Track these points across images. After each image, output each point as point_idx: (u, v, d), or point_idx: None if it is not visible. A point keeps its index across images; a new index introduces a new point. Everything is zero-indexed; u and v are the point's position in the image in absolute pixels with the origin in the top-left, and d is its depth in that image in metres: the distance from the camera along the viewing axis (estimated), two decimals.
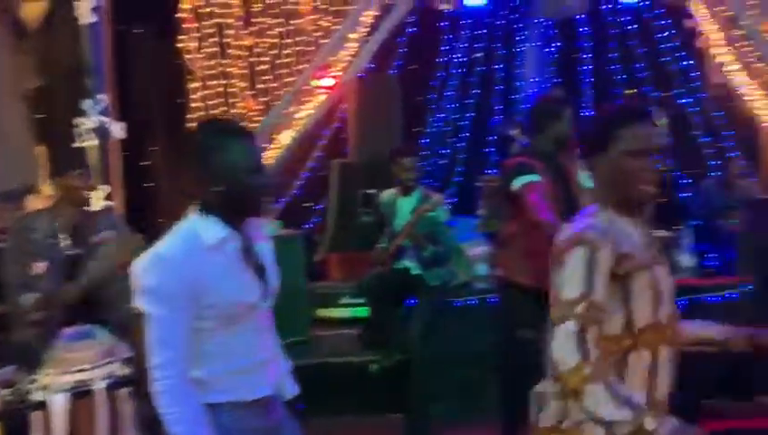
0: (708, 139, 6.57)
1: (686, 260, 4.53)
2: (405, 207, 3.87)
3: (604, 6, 6.39)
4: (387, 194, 4.04)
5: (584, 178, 3.01)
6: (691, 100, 6.52)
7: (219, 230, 1.56)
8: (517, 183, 2.89)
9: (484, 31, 6.22)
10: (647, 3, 6.43)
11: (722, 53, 6.51)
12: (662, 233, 5.00)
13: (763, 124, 6.44)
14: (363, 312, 4.12)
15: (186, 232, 1.56)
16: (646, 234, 1.60)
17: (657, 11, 6.39)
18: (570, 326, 1.44)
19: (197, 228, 1.56)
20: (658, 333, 1.55)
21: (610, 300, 1.49)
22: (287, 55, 6.25)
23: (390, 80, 6.13)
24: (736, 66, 6.44)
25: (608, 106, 1.76)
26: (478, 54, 6.22)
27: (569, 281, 1.48)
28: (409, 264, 3.87)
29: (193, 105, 6.04)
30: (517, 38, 6.28)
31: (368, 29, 6.20)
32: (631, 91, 6.52)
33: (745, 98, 6.48)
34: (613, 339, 1.51)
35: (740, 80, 6.46)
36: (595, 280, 1.46)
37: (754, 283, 4.01)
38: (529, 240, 2.94)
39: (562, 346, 1.44)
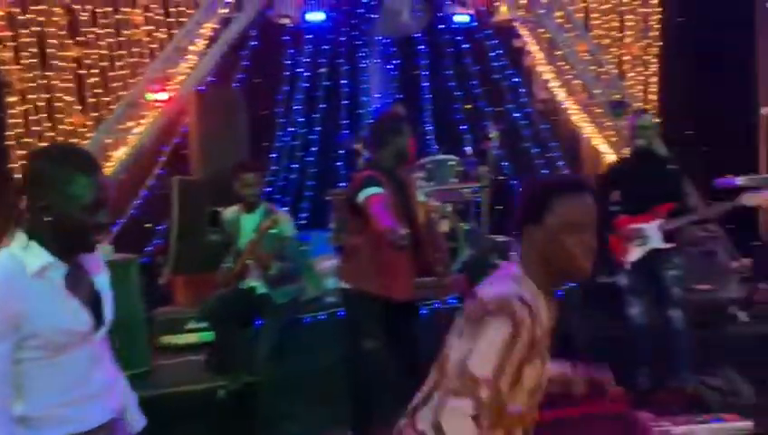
0: (537, 150, 7.14)
1: None
2: (248, 225, 3.78)
3: (439, 26, 6.72)
4: (230, 211, 3.93)
5: (420, 193, 3.16)
6: (520, 114, 7.04)
7: (43, 257, 1.49)
8: (361, 196, 2.95)
9: (327, 47, 6.28)
10: (476, 23, 6.86)
11: (546, 71, 7.14)
12: (500, 238, 5.40)
13: (584, 136, 7.14)
14: (210, 336, 3.95)
15: (7, 258, 1.48)
16: (552, 317, 1.54)
17: (486, 31, 6.84)
18: (467, 408, 1.33)
19: (21, 255, 1.48)
20: (523, 421, 1.52)
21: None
22: (120, 68, 5.88)
23: (234, 93, 5.98)
24: (558, 83, 7.09)
25: (545, 176, 1.69)
26: (323, 69, 6.27)
27: (482, 354, 1.36)
28: (255, 283, 3.77)
29: (12, 120, 5.49)
30: (360, 54, 6.42)
31: (207, 41, 6.01)
32: (468, 107, 6.92)
33: (568, 112, 7.15)
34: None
35: (562, 96, 7.12)
36: (508, 364, 1.37)
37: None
38: (374, 251, 3.01)
39: (458, 424, 1.33)
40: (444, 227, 4.88)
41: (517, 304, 1.39)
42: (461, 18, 6.54)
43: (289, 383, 3.68)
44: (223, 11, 6.00)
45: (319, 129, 6.47)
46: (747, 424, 3.58)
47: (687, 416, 3.71)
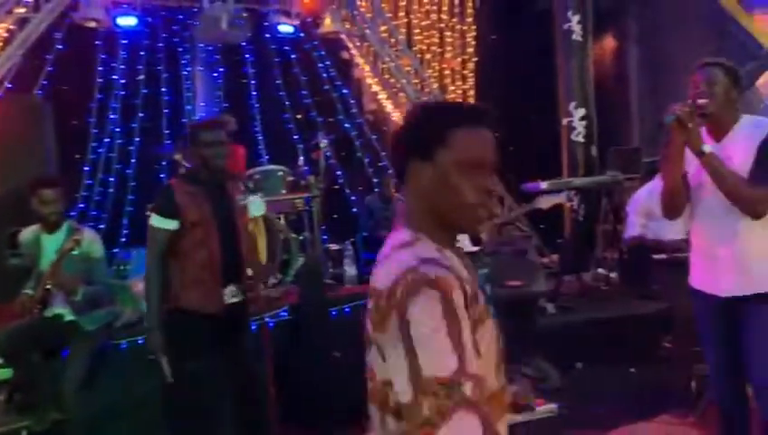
0: (369, 159, 7.33)
1: (351, 270, 4.93)
2: (51, 246, 3.42)
3: (266, 35, 6.65)
4: (29, 232, 3.54)
5: (253, 205, 3.08)
6: (350, 124, 7.18)
7: None
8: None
9: (144, 53, 5.92)
10: (303, 34, 6.89)
11: (374, 83, 7.36)
12: (333, 246, 5.44)
13: None
14: (7, 373, 3.51)
15: None
16: (471, 268, 1.22)
17: (314, 42, 6.90)
18: (475, 423, 0.98)
19: None
20: (500, 403, 1.15)
21: None
22: None
23: (37, 101, 5.41)
24: (385, 95, 7.35)
25: (438, 102, 1.29)
26: (141, 77, 5.90)
27: (431, 348, 0.99)
28: (61, 310, 3.43)
29: None
30: (182, 62, 6.14)
31: (1, 44, 5.39)
32: (299, 117, 6.92)
33: (397, 123, 7.43)
34: None
35: (390, 108, 7.38)
36: (464, 341, 1.01)
37: None
38: (182, 266, 2.91)
39: None
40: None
41: (426, 267, 1.06)
42: (285, 28, 6.51)
43: (103, 417, 3.38)
44: (19, 11, 5.41)
45: (138, 139, 6.07)
46: (552, 407, 3.94)
47: None
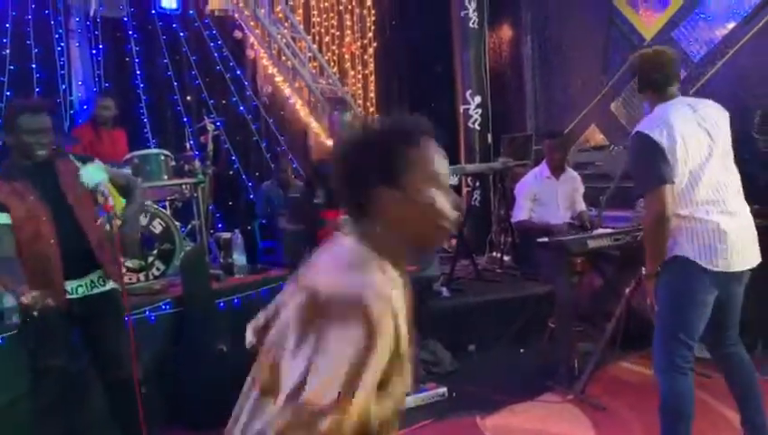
0: (266, 143, 7.09)
1: (241, 260, 4.74)
2: None
3: (151, 11, 6.23)
4: None
5: (86, 173, 2.80)
6: (245, 107, 6.91)
7: None
8: None
9: (9, 25, 5.36)
10: (191, 12, 6.52)
11: (270, 65, 7.10)
12: (225, 235, 5.22)
13: (312, 130, 7.27)
14: None
15: None
16: (408, 296, 1.20)
17: (204, 20, 6.54)
18: None
19: None
20: (384, 429, 1.17)
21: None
22: None
23: None
24: (281, 78, 7.12)
25: (384, 124, 1.22)
26: (6, 51, 5.34)
27: (324, 372, 1.00)
28: None
29: None
30: (55, 36, 5.62)
31: None
32: (191, 98, 6.56)
33: (294, 106, 7.21)
34: None
35: (288, 91, 7.16)
36: (364, 379, 1.00)
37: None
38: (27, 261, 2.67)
39: None
40: (156, 227, 4.54)
41: (368, 298, 1.03)
42: (169, 4, 6.13)
43: None
44: None
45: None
46: (442, 390, 3.99)
47: None
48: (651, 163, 2.53)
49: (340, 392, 0.99)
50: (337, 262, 1.13)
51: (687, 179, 2.57)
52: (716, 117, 2.67)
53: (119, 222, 2.78)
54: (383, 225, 1.16)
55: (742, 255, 2.62)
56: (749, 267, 2.67)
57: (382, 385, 1.08)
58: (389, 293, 1.07)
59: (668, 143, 2.52)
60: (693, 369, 2.65)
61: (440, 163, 1.19)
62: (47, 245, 2.67)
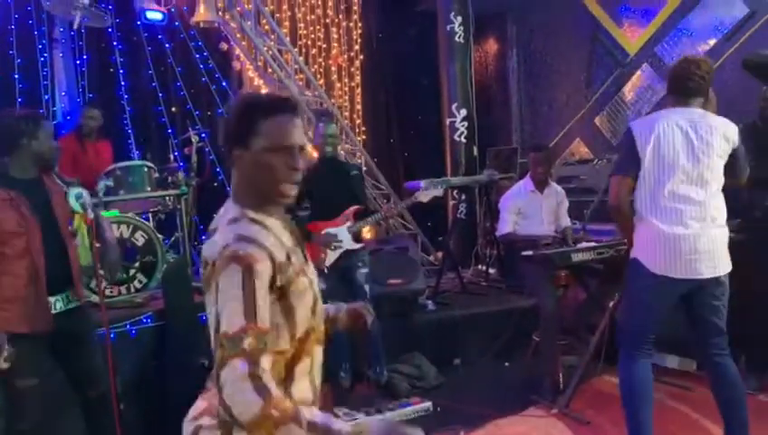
0: None
1: None
2: None
3: (137, 22, 6.19)
4: None
5: (72, 198, 2.77)
6: None
7: None
8: None
9: None
10: (177, 23, 6.49)
11: (255, 77, 7.09)
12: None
13: None
14: None
15: None
16: (293, 231, 1.52)
17: (190, 32, 6.52)
18: (239, 368, 1.25)
19: None
20: (315, 334, 1.51)
21: (275, 318, 1.38)
22: None
23: None
24: (267, 90, 7.09)
25: (249, 96, 1.54)
26: None
27: (227, 311, 1.29)
28: None
29: None
30: (39, 46, 5.57)
31: None
32: (174, 109, 6.53)
33: None
34: (279, 355, 1.40)
35: None
36: (257, 304, 1.30)
37: None
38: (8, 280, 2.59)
39: (238, 392, 1.24)
40: (139, 239, 4.48)
41: (242, 247, 1.33)
42: (154, 15, 6.10)
43: None
44: None
45: None
46: (427, 404, 3.96)
47: (380, 405, 3.97)
48: (620, 153, 2.82)
49: (245, 315, 1.27)
50: (220, 228, 1.41)
51: (653, 183, 2.64)
52: (713, 133, 2.70)
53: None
54: (240, 180, 1.46)
55: (705, 263, 2.67)
56: (713, 276, 2.70)
57: (285, 308, 1.40)
58: (260, 237, 1.36)
59: (641, 141, 2.67)
60: (647, 357, 2.85)
61: (288, 136, 1.43)
62: (37, 259, 2.61)
